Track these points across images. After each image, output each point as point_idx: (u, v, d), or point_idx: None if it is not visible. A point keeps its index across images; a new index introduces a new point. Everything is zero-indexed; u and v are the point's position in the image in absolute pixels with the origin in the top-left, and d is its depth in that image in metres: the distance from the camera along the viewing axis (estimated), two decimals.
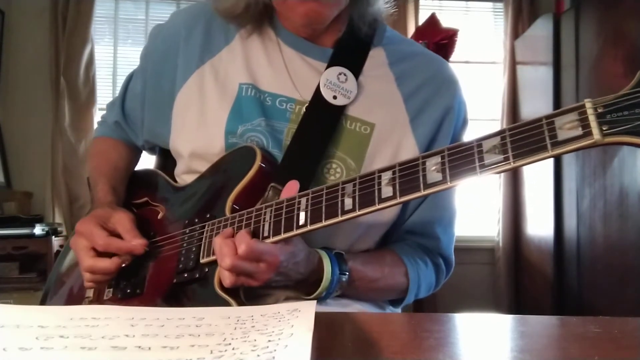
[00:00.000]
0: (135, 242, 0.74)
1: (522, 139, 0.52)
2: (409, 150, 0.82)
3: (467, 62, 3.46)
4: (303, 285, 0.73)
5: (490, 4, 3.60)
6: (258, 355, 0.37)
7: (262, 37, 0.86)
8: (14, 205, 2.99)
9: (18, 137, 3.15)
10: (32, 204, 3.11)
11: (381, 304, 0.88)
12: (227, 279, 0.64)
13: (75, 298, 0.85)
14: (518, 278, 3.37)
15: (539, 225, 3.05)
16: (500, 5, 3.55)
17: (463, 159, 0.55)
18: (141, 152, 1.02)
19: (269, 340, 0.40)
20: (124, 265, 0.74)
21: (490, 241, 3.47)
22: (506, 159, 0.52)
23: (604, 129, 0.48)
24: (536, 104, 3.08)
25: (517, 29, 3.43)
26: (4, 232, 2.62)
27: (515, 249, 3.37)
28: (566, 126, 0.49)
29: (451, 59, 2.85)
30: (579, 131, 0.49)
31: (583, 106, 0.49)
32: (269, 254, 0.64)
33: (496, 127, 3.44)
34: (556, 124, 0.50)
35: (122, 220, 0.76)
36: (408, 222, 0.88)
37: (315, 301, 0.52)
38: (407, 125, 0.83)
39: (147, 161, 1.05)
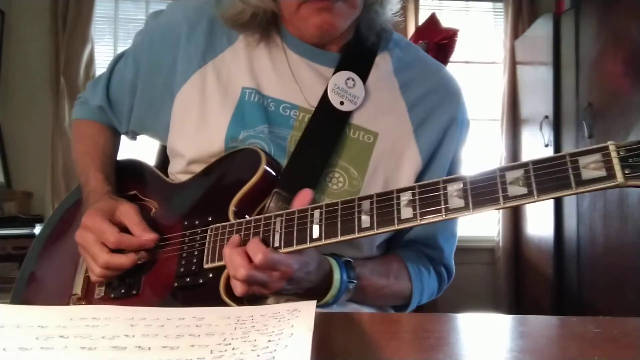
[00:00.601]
0: (146, 237, 0.73)
1: (546, 174, 0.53)
2: (412, 159, 0.82)
3: (467, 62, 3.46)
4: (312, 293, 0.72)
5: (490, 4, 3.60)
6: (258, 355, 0.37)
7: (266, 40, 0.84)
8: (14, 205, 2.99)
9: (18, 137, 3.14)
10: (32, 204, 3.11)
11: (384, 308, 0.88)
12: (239, 288, 0.64)
13: (60, 295, 0.82)
14: (518, 278, 3.37)
15: (539, 225, 3.05)
16: (500, 5, 3.54)
17: (486, 187, 0.55)
18: (121, 137, 0.99)
19: (269, 340, 0.40)
20: (140, 262, 0.74)
21: (490, 241, 3.47)
22: (530, 192, 0.53)
23: (627, 172, 0.50)
24: (536, 104, 3.08)
25: (517, 29, 3.43)
26: (4, 232, 2.62)
27: (515, 249, 3.37)
28: (590, 166, 0.51)
29: (451, 59, 2.85)
30: (602, 172, 0.50)
31: (607, 148, 0.51)
32: (284, 264, 0.63)
33: (496, 127, 3.45)
34: (580, 163, 0.52)
35: (129, 213, 0.75)
36: (412, 233, 0.87)
37: (315, 301, 0.52)
38: (411, 134, 0.83)
39: (134, 153, 1.01)
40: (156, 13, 0.93)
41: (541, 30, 3.01)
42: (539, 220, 3.06)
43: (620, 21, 2.34)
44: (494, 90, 3.49)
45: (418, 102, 0.84)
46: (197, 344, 0.41)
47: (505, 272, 3.38)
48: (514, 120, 3.39)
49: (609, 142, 0.51)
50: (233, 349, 0.39)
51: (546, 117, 2.89)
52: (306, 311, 0.48)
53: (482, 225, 3.49)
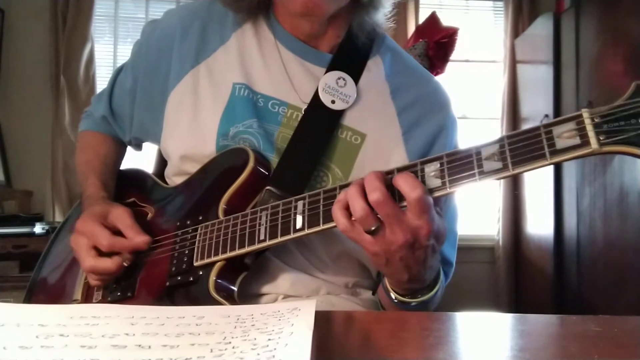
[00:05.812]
0: (139, 239, 0.74)
1: (521, 147, 0.53)
2: (400, 162, 0.81)
3: (467, 60, 3.46)
4: (416, 281, 0.66)
5: (490, 3, 3.60)
6: (258, 354, 0.37)
7: (258, 37, 0.85)
8: (14, 204, 2.98)
9: (18, 136, 3.14)
10: (32, 202, 3.10)
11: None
12: (360, 210, 0.57)
13: (61, 300, 0.83)
14: (518, 277, 3.37)
15: (539, 223, 3.05)
16: (500, 4, 3.54)
17: (462, 165, 0.56)
18: (127, 147, 1.01)
19: (269, 339, 0.40)
20: (125, 264, 0.74)
21: (490, 240, 3.47)
22: (505, 166, 0.53)
23: (601, 138, 0.50)
24: (536, 102, 3.08)
25: (518, 28, 3.43)
26: (4, 230, 2.61)
27: (515, 248, 3.37)
28: (564, 135, 0.51)
29: (451, 57, 2.85)
30: (576, 140, 0.50)
31: (580, 116, 0.51)
32: (429, 216, 0.57)
33: (496, 126, 3.45)
34: (554, 133, 0.52)
35: (122, 216, 0.76)
36: None
37: (315, 300, 0.52)
38: (399, 137, 0.83)
39: (135, 160, 1.04)
40: (152, 22, 0.94)
41: (541, 29, 3.01)
42: (538, 219, 3.06)
43: (621, 20, 2.34)
44: (494, 88, 3.49)
45: (408, 107, 0.84)
46: (197, 343, 0.41)
47: (505, 270, 3.38)
48: (514, 119, 3.38)
49: (582, 110, 0.51)
50: (233, 347, 0.39)
51: (546, 115, 2.89)
52: (306, 310, 0.48)
53: (482, 224, 3.49)
